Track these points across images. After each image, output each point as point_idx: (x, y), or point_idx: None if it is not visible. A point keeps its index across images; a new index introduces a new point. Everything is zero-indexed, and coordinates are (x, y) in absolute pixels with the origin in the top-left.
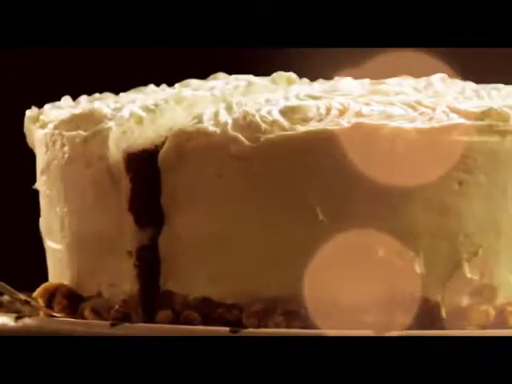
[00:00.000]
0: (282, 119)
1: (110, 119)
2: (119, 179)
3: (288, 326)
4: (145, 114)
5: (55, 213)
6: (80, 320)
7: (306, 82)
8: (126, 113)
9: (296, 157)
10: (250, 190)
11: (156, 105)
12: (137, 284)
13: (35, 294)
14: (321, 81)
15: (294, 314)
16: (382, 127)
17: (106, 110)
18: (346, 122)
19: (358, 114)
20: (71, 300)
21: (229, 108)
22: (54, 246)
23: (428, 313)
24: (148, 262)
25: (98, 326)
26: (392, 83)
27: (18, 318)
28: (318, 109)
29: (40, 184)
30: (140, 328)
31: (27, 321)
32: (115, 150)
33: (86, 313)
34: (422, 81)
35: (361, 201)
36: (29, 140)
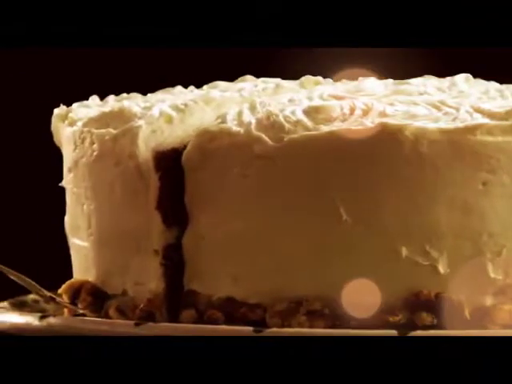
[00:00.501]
0: (305, 119)
1: (140, 118)
2: (148, 178)
3: (311, 326)
4: (174, 113)
5: (82, 210)
6: (104, 319)
7: (329, 83)
8: (155, 112)
9: (319, 157)
10: (273, 189)
11: (185, 104)
12: (162, 283)
13: (60, 290)
14: (344, 81)
15: (317, 313)
16: (405, 127)
17: (136, 109)
18: (369, 122)
19: (382, 114)
20: (96, 297)
21: (252, 108)
22: (80, 244)
23: (452, 313)
24: (174, 261)
25: (123, 326)
26: (415, 83)
27: (42, 318)
28: (341, 109)
29: (67, 182)
30: (164, 328)
31: (51, 320)
32: (145, 148)
33: (111, 312)
34: (446, 81)
35: (384, 201)
36: (56, 138)
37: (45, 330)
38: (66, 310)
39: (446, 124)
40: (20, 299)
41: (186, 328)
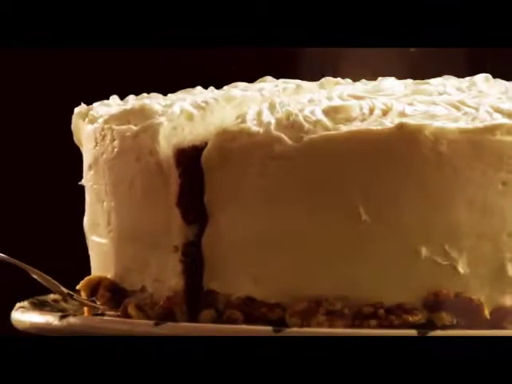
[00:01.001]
0: (325, 119)
1: (161, 115)
2: (168, 174)
3: (331, 326)
4: (195, 110)
5: (102, 207)
6: (124, 319)
7: (349, 82)
8: (176, 109)
9: (339, 156)
10: (293, 189)
11: (206, 102)
12: (181, 280)
13: (78, 286)
14: (364, 81)
15: (336, 313)
16: (425, 127)
17: (157, 107)
18: (389, 122)
19: (402, 114)
20: (114, 293)
21: (272, 108)
22: (99, 241)
23: (471, 312)
24: (193, 258)
25: (142, 325)
26: (435, 83)
27: (62, 317)
28: (361, 109)
29: (87, 180)
30: (183, 327)
31: (71, 320)
32: (165, 145)
33: (130, 309)
34: (465, 81)
35: (404, 200)
36: (76, 137)
37: (65, 329)
38: (85, 310)
39: (465, 124)
40: (40, 299)
41: (205, 328)
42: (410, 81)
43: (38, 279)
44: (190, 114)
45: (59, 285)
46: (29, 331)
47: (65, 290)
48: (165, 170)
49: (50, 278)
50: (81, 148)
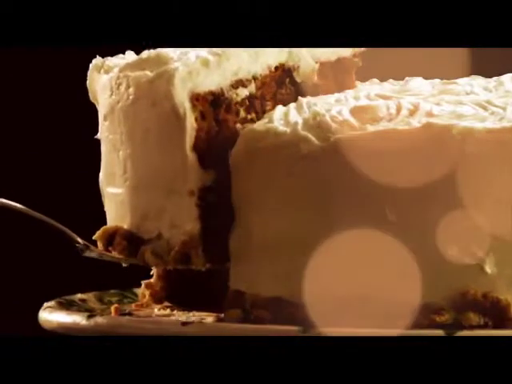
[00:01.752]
0: (352, 119)
1: (176, 61)
2: (184, 119)
3: (357, 326)
4: (211, 57)
5: (118, 157)
6: (151, 318)
7: (376, 82)
8: (192, 56)
9: (366, 156)
10: (319, 189)
11: (223, 50)
12: (198, 224)
13: (95, 236)
14: (391, 81)
15: (363, 313)
16: (452, 127)
17: (173, 54)
18: (416, 122)
19: (429, 114)
20: (131, 242)
21: (299, 108)
22: (115, 191)
23: (499, 312)
24: (210, 203)
25: (170, 325)
26: (462, 83)
27: (89, 317)
28: (388, 108)
29: (102, 131)
30: (211, 327)
31: (99, 319)
32: (181, 89)
33: (147, 256)
34: (493, 80)
35: (431, 201)
36: (91, 93)
37: (92, 329)
38: (112, 310)
39: (492, 124)
40: (67, 298)
41: (232, 328)
42: (437, 80)
43: (55, 229)
44: (205, 60)
45: (75, 236)
46: (56, 331)
47: (81, 241)
48: (181, 114)
49: (66, 229)
50: (96, 105)
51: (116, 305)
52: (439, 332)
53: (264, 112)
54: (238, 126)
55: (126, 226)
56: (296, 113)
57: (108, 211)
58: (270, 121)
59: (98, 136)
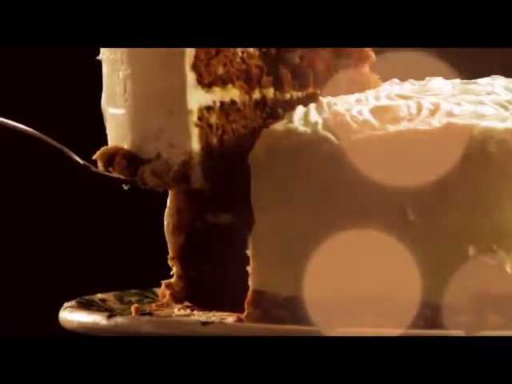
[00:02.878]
0: (372, 119)
1: None
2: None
3: (377, 326)
4: None
5: (118, 77)
6: (171, 318)
7: (396, 82)
8: None
9: (386, 156)
10: (340, 189)
11: None
12: (197, 144)
13: (95, 156)
14: (411, 81)
15: (383, 313)
16: (473, 127)
17: None
18: (437, 122)
19: (449, 114)
20: (131, 162)
21: (319, 108)
22: (116, 112)
23: None
24: (209, 122)
25: (189, 325)
26: (483, 83)
27: (109, 317)
28: (408, 108)
29: (103, 51)
30: (231, 327)
31: (119, 319)
32: None
33: (146, 176)
34: None
35: (451, 201)
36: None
37: (112, 329)
38: (133, 310)
39: None
40: (87, 298)
41: (251, 327)
42: (457, 80)
43: (56, 150)
44: None
45: (75, 155)
46: (76, 331)
47: (81, 161)
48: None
49: (66, 149)
50: None
51: (136, 305)
52: (459, 332)
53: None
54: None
55: (126, 147)
56: (316, 113)
57: (109, 132)
58: (290, 121)
59: (99, 57)
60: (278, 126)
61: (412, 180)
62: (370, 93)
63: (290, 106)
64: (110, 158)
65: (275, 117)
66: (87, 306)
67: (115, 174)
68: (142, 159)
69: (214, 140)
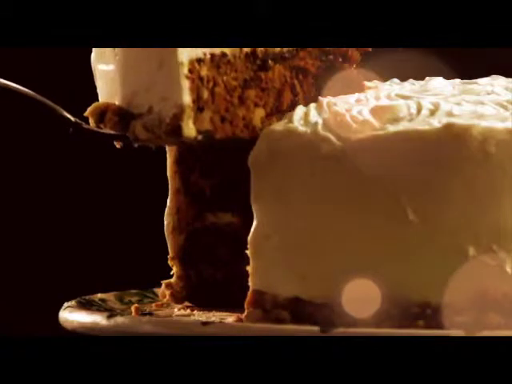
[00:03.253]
0: (372, 119)
1: None
2: None
3: (378, 326)
4: None
5: None
6: (171, 318)
7: (396, 82)
8: None
9: (386, 157)
10: (340, 189)
11: None
12: (188, 96)
13: (86, 112)
14: (411, 81)
15: (383, 313)
16: (473, 127)
17: None
18: (436, 122)
19: (449, 114)
20: (122, 117)
21: (319, 108)
22: (106, 68)
23: None
24: (200, 75)
25: (190, 325)
26: (483, 83)
27: (109, 317)
28: (408, 108)
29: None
30: (231, 327)
31: (119, 319)
32: None
33: (137, 130)
34: None
35: (451, 201)
36: None
37: (112, 329)
38: (133, 310)
39: None
40: (88, 298)
41: (252, 328)
42: (457, 80)
43: (45, 107)
44: None
45: (66, 113)
46: (76, 331)
47: (72, 118)
48: None
49: (58, 107)
50: None
51: (136, 305)
52: (459, 332)
53: None
54: None
55: (117, 102)
56: (316, 113)
57: (99, 89)
58: (290, 121)
59: None
60: (278, 126)
61: (412, 180)
62: (370, 93)
63: (281, 58)
64: (101, 115)
65: (266, 69)
66: (87, 306)
67: (107, 131)
68: (134, 114)
69: (205, 92)
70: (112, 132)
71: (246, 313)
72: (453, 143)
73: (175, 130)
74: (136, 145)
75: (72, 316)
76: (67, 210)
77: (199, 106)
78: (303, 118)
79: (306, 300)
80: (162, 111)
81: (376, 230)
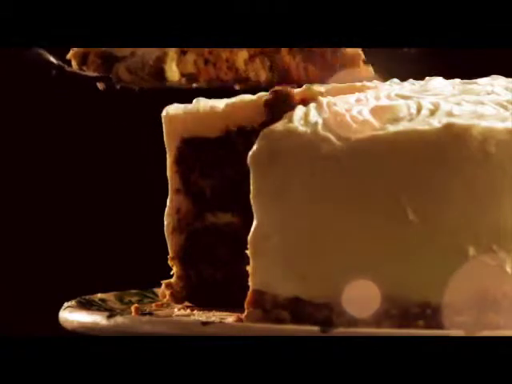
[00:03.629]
0: (372, 119)
1: None
2: None
3: (378, 326)
4: None
5: None
6: (171, 318)
7: (396, 82)
8: None
9: (386, 156)
10: (340, 189)
11: None
12: None
13: (69, 55)
14: (411, 80)
15: (383, 313)
16: (473, 127)
17: None
18: (436, 122)
19: (449, 114)
20: (105, 60)
21: (319, 108)
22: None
23: None
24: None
25: (190, 324)
26: (483, 83)
27: (109, 317)
28: (408, 108)
29: None
30: (231, 327)
31: (119, 319)
32: None
33: (121, 72)
34: None
35: (451, 201)
36: None
37: (112, 328)
38: (133, 310)
39: None
40: (88, 298)
41: (252, 328)
42: (457, 80)
43: (27, 51)
44: None
45: (49, 55)
46: (76, 331)
47: (55, 61)
48: None
49: (41, 49)
50: None
51: (136, 305)
52: (459, 332)
53: None
54: None
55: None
56: (316, 113)
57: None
58: (290, 121)
59: None
60: (278, 125)
61: (412, 180)
62: (370, 93)
63: None
64: (84, 57)
65: None
66: (87, 306)
67: (89, 73)
68: (117, 57)
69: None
70: (95, 74)
71: (246, 313)
72: (453, 143)
73: (158, 72)
74: (118, 86)
75: (72, 316)
76: (67, 210)
77: (182, 49)
78: (303, 117)
79: (306, 300)
80: (145, 54)
81: (376, 229)
